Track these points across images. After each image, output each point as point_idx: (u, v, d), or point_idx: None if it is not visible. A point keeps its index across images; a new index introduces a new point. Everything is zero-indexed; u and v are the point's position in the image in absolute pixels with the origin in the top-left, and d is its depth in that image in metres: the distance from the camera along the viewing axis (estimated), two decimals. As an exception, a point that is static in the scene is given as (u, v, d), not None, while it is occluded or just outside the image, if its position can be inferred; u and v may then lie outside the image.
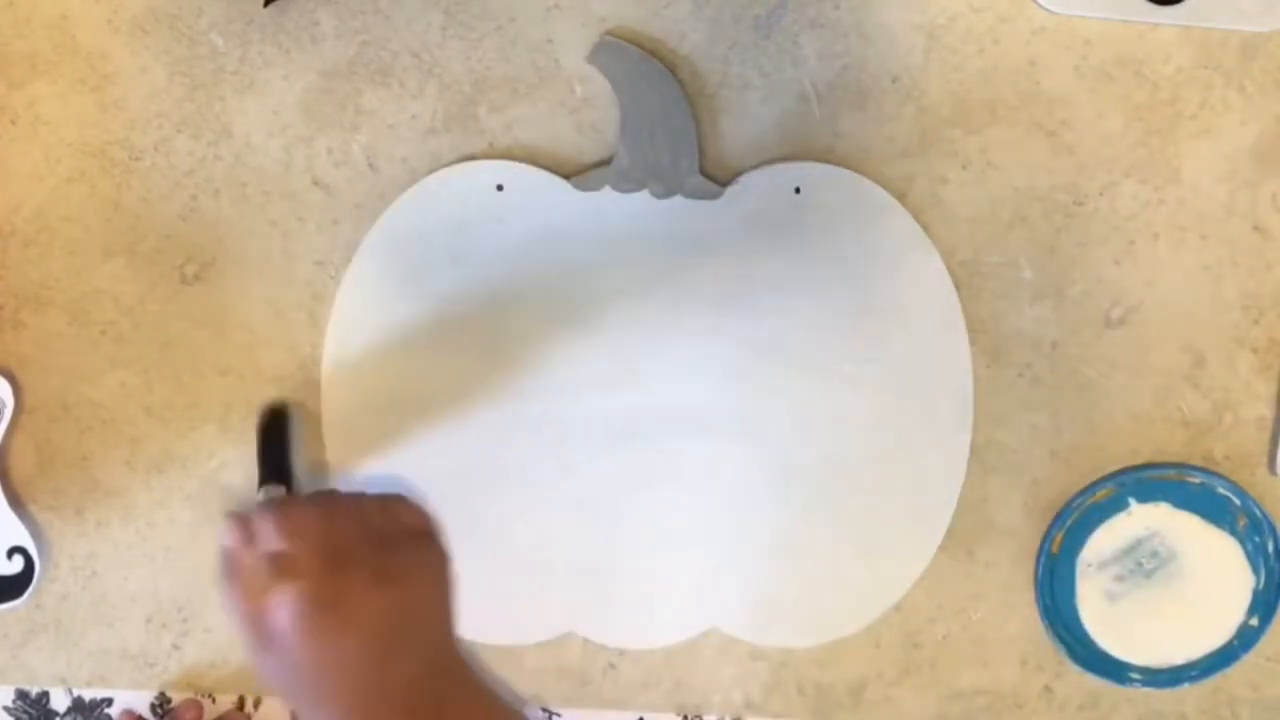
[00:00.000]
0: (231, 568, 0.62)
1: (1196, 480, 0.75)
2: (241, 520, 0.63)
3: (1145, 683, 0.76)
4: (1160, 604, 0.76)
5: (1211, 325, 0.75)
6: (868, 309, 0.74)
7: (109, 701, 0.78)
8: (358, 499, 0.65)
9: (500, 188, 0.73)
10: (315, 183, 0.74)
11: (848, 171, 0.73)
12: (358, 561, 0.60)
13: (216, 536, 0.64)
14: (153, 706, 0.78)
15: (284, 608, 0.58)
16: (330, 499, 0.66)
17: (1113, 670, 0.76)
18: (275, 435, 0.72)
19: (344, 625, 0.59)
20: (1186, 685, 0.77)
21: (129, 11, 0.72)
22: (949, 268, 0.74)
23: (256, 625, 0.59)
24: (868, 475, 0.75)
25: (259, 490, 0.69)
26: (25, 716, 0.78)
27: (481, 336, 0.74)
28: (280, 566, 0.60)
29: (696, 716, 0.78)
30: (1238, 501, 0.75)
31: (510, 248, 0.73)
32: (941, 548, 0.76)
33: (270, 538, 0.61)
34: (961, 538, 0.76)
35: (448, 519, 0.74)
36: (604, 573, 0.75)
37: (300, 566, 0.59)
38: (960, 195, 0.74)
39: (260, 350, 0.75)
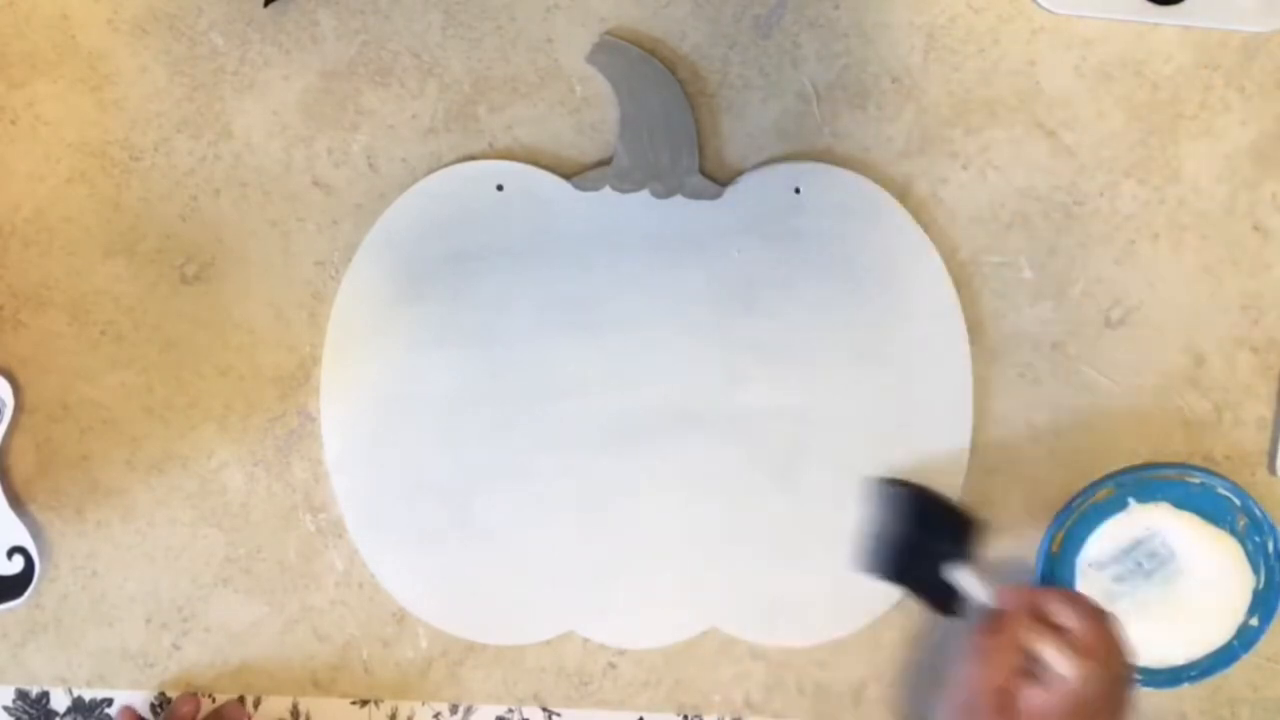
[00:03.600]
0: (989, 646, 0.64)
1: (1196, 480, 0.75)
2: (1023, 601, 0.65)
3: (1145, 683, 0.76)
4: (1160, 604, 0.76)
5: (1211, 325, 0.75)
6: (868, 309, 0.74)
7: (109, 701, 0.78)
8: (1104, 612, 0.66)
9: (500, 188, 0.73)
10: (315, 183, 0.74)
11: (848, 171, 0.73)
12: (1121, 682, 0.64)
13: (968, 615, 0.67)
14: (152, 706, 0.78)
15: (1066, 696, 0.61)
16: (1095, 606, 0.67)
17: (1113, 670, 0.76)
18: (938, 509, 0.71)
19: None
20: (1186, 685, 0.77)
21: (129, 11, 0.72)
22: (949, 268, 0.74)
23: (1005, 703, 0.62)
24: (868, 475, 0.75)
25: (955, 569, 0.68)
26: (25, 716, 0.78)
27: (481, 336, 0.74)
28: (1082, 657, 0.62)
29: (696, 716, 0.78)
30: (1238, 501, 0.75)
31: (510, 248, 0.73)
32: (941, 548, 0.76)
33: (1073, 623, 0.64)
34: (961, 538, 0.76)
35: (448, 519, 0.75)
36: (604, 573, 0.75)
37: (1099, 663, 0.62)
38: (960, 195, 0.74)
39: (260, 350, 0.75)
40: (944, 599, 0.69)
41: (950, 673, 0.66)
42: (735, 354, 0.74)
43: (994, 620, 0.65)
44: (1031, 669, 0.63)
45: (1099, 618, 0.64)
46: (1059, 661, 0.62)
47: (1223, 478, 0.75)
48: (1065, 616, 0.64)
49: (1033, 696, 0.62)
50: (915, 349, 0.74)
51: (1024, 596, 0.66)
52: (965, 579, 0.68)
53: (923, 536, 0.69)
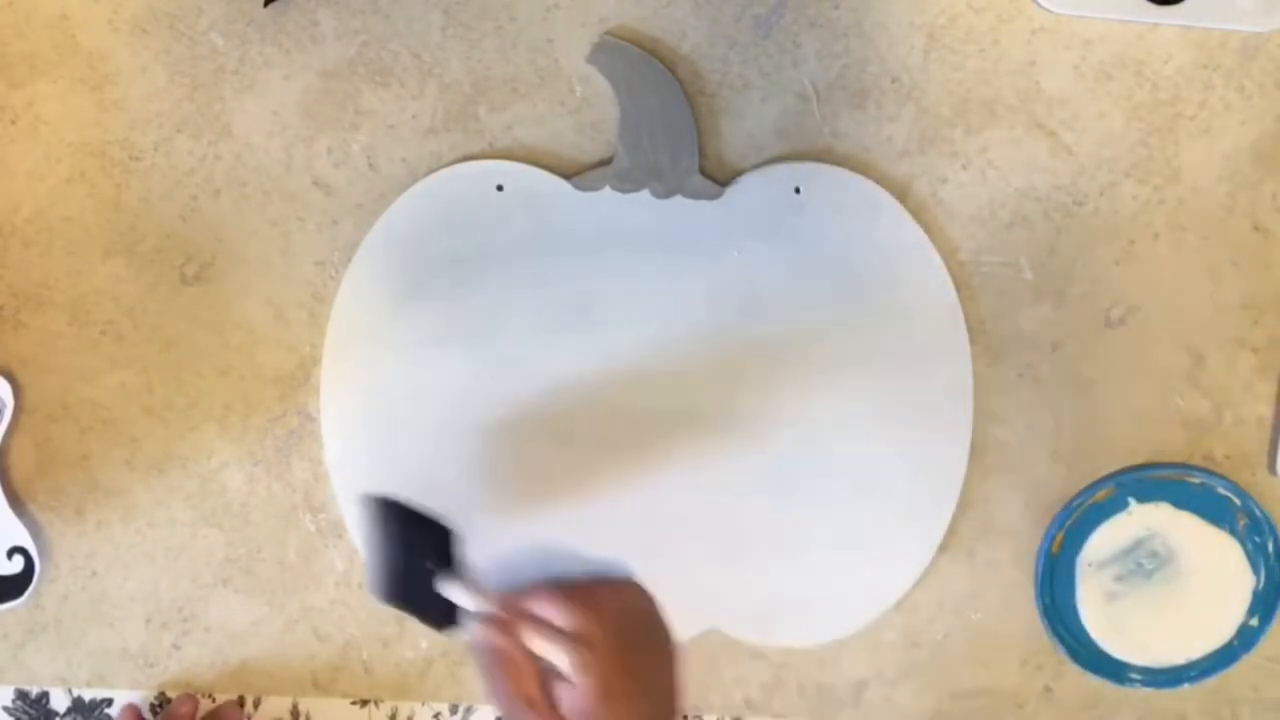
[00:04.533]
0: (498, 658, 0.62)
1: (1196, 480, 0.75)
2: (507, 607, 0.63)
3: (1145, 683, 0.76)
4: (1160, 604, 0.76)
5: (1211, 325, 0.75)
6: (868, 309, 0.74)
7: (109, 701, 0.78)
8: (600, 584, 0.66)
9: (500, 188, 0.73)
10: (315, 183, 0.74)
11: (848, 171, 0.73)
12: (640, 645, 0.63)
13: (467, 628, 0.64)
14: (152, 706, 0.78)
15: (587, 688, 0.60)
16: (585, 585, 0.66)
17: (1113, 670, 0.76)
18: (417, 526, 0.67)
19: (634, 705, 0.61)
20: (1186, 685, 0.77)
21: (129, 11, 0.72)
22: (949, 268, 0.74)
23: (539, 711, 0.61)
24: (868, 475, 0.75)
25: (442, 583, 0.65)
26: (25, 716, 0.78)
27: (481, 336, 0.74)
28: (577, 648, 0.61)
29: (696, 716, 0.78)
30: (1238, 501, 0.75)
31: (510, 248, 0.73)
32: (941, 548, 0.76)
33: (557, 618, 0.62)
34: (961, 538, 0.76)
35: (447, 519, 0.75)
36: (604, 573, 0.75)
37: (598, 648, 0.61)
38: (960, 195, 0.74)
39: (260, 350, 0.75)
40: (445, 614, 0.66)
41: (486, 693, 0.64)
42: (735, 353, 0.74)
43: (493, 629, 0.63)
44: (551, 669, 0.62)
45: (586, 599, 0.63)
46: (556, 657, 0.61)
47: (1223, 477, 0.75)
48: (548, 611, 0.62)
49: (564, 696, 0.61)
50: (915, 349, 0.74)
51: (508, 601, 0.64)
52: (454, 591, 0.65)
53: (409, 553, 0.66)
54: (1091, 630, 0.76)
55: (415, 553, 0.65)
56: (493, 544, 0.71)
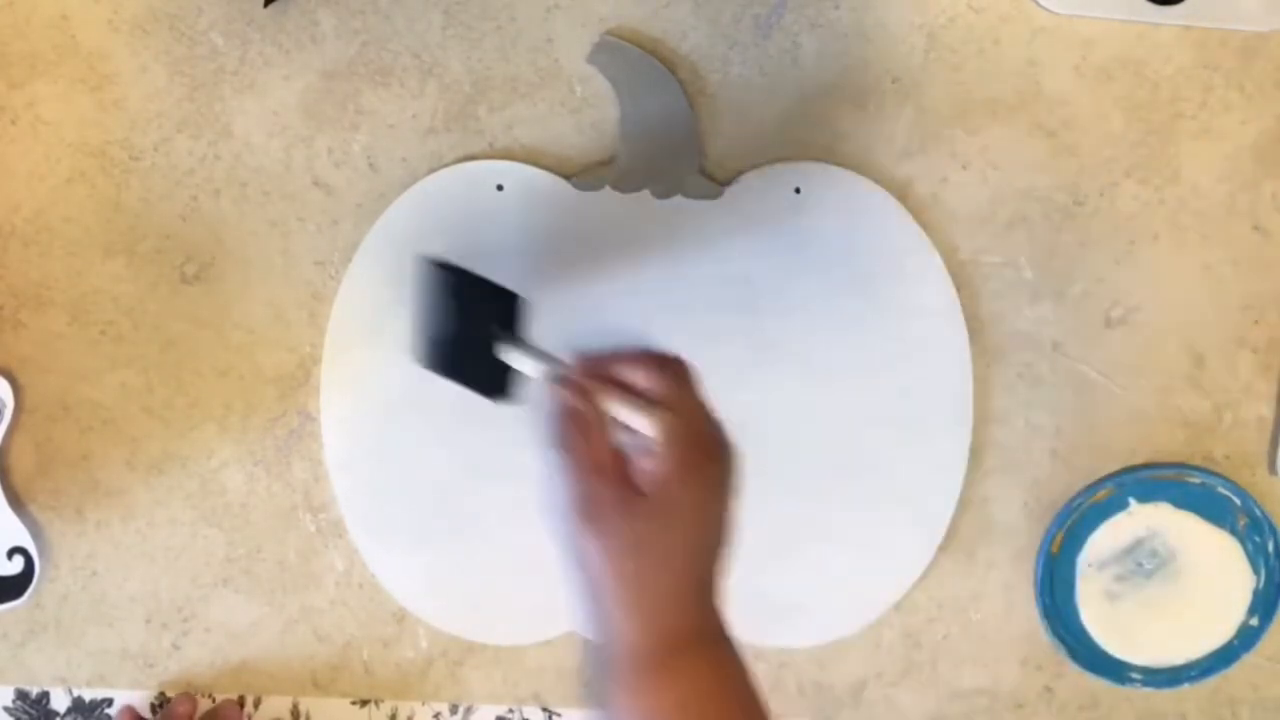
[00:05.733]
0: (572, 423, 0.57)
1: (1196, 480, 0.75)
2: (588, 371, 0.59)
3: (1145, 682, 0.76)
4: (1160, 604, 0.76)
5: (1211, 325, 0.75)
6: (867, 309, 0.74)
7: (109, 701, 0.78)
8: (677, 361, 0.60)
9: (500, 188, 0.73)
10: (315, 183, 0.74)
11: (848, 171, 0.73)
12: (718, 428, 0.58)
13: (541, 397, 0.59)
14: (152, 706, 0.78)
15: (670, 457, 0.55)
16: (665, 356, 0.60)
17: (1113, 670, 0.76)
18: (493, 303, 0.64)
19: (709, 485, 0.56)
20: (1186, 685, 0.77)
21: (129, 11, 0.72)
22: (949, 268, 0.74)
23: (608, 480, 0.56)
24: (868, 475, 0.75)
25: (506, 349, 0.62)
26: (25, 716, 0.78)
27: (481, 336, 0.74)
28: (666, 414, 0.56)
29: (696, 716, 0.78)
30: (1238, 501, 0.75)
31: (510, 248, 0.73)
32: (941, 548, 0.76)
33: (645, 381, 0.57)
34: (961, 538, 0.76)
35: (448, 519, 0.75)
36: (604, 573, 0.75)
37: (684, 417, 0.57)
38: (960, 195, 0.74)
39: (260, 350, 0.75)
40: (497, 384, 0.63)
41: (542, 474, 0.58)
42: (735, 353, 0.74)
43: (560, 396, 0.58)
44: (624, 440, 0.57)
45: (669, 367, 0.58)
46: (641, 422, 0.57)
47: (1223, 477, 0.75)
48: (636, 375, 0.58)
49: (641, 466, 0.57)
50: (915, 349, 0.74)
51: (589, 365, 0.59)
52: (518, 358, 0.62)
53: (464, 320, 0.63)
54: (1092, 630, 0.76)
55: (472, 319, 0.63)
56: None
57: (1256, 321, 0.75)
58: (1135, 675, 0.76)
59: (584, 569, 0.57)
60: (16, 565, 0.75)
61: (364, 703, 0.78)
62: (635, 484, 0.56)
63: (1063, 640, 0.76)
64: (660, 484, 0.56)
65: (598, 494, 0.56)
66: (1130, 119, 0.73)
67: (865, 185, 0.73)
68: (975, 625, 0.77)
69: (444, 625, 0.76)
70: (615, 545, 0.55)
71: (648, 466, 0.57)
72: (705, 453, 0.57)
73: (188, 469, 0.76)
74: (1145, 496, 0.75)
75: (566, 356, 0.61)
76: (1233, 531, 0.76)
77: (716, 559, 0.59)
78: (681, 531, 0.57)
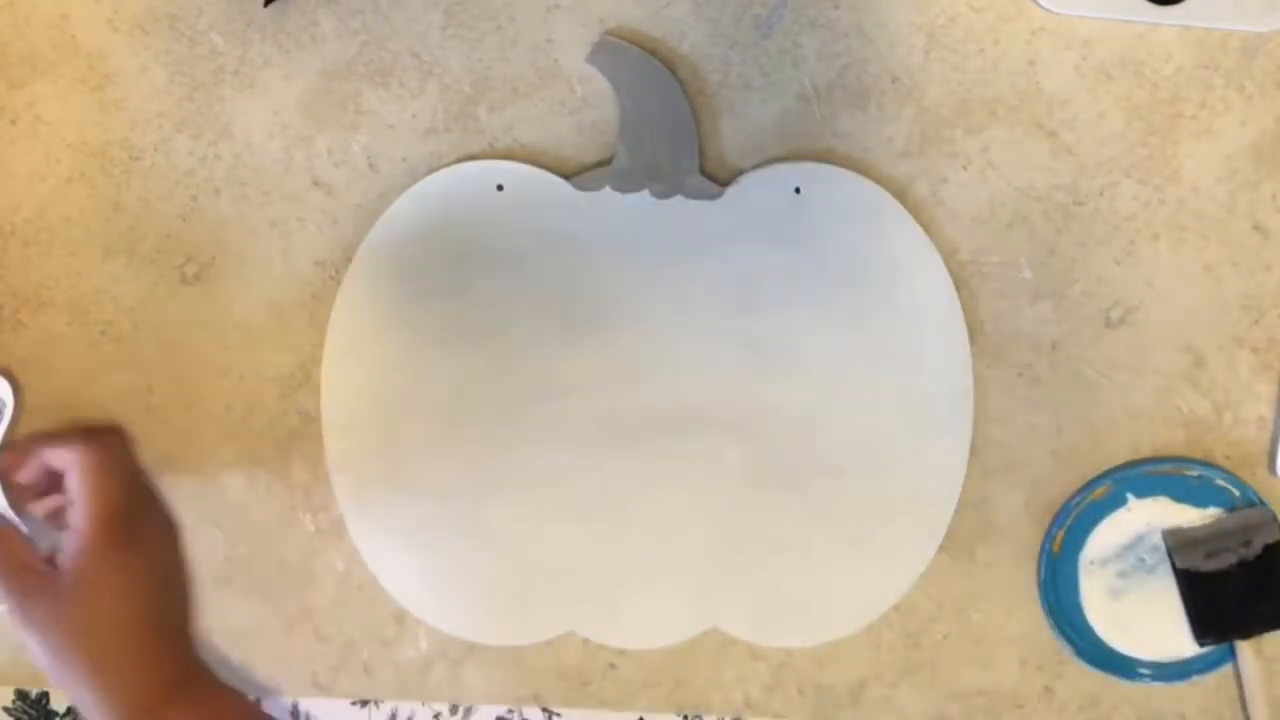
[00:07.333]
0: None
1: (1194, 473, 0.75)
2: None
3: (1154, 677, 0.76)
4: (1165, 598, 0.76)
5: (1211, 325, 0.75)
6: (867, 309, 0.74)
7: (109, 702, 0.78)
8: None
9: (500, 188, 0.73)
10: (315, 183, 0.74)
11: (848, 171, 0.73)
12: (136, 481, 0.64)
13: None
14: (153, 707, 0.78)
15: (88, 519, 0.61)
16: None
17: (1121, 667, 0.76)
18: None
19: (137, 535, 0.62)
20: (1195, 678, 0.76)
21: (129, 11, 0.72)
22: (949, 268, 0.74)
23: (38, 573, 0.61)
24: (868, 475, 0.75)
25: None
26: (25, 716, 0.78)
27: (481, 336, 0.74)
28: (71, 483, 0.62)
29: (696, 716, 0.78)
30: (1237, 493, 0.75)
31: (510, 248, 0.73)
32: (941, 548, 0.76)
33: (54, 457, 0.63)
34: (961, 538, 0.76)
35: (448, 519, 0.75)
36: (604, 572, 0.75)
37: (92, 482, 0.62)
38: (960, 195, 0.74)
39: (260, 350, 0.75)
40: None
41: None
42: (735, 354, 0.74)
43: None
44: (45, 528, 0.63)
45: (87, 443, 0.63)
46: (42, 507, 0.63)
47: (1221, 469, 0.75)
48: (39, 463, 0.64)
49: (69, 550, 0.61)
50: (915, 349, 0.74)
51: None
52: None
53: None
54: (1098, 628, 0.76)
55: None
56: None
57: (1256, 321, 0.75)
58: (1144, 670, 0.76)
59: (47, 662, 0.61)
60: (16, 565, 0.75)
61: (364, 703, 0.78)
62: (66, 569, 0.61)
63: (1069, 639, 0.76)
64: (80, 564, 0.60)
65: (24, 591, 0.61)
66: (1130, 119, 0.73)
67: (865, 185, 0.73)
68: (975, 625, 0.77)
69: (444, 625, 0.76)
70: (57, 632, 0.60)
71: (71, 547, 0.61)
72: (121, 521, 0.62)
73: (187, 469, 0.76)
74: (1143, 492, 0.75)
75: None
76: (1234, 527, 0.76)
77: (174, 613, 0.64)
78: (120, 600, 0.61)
